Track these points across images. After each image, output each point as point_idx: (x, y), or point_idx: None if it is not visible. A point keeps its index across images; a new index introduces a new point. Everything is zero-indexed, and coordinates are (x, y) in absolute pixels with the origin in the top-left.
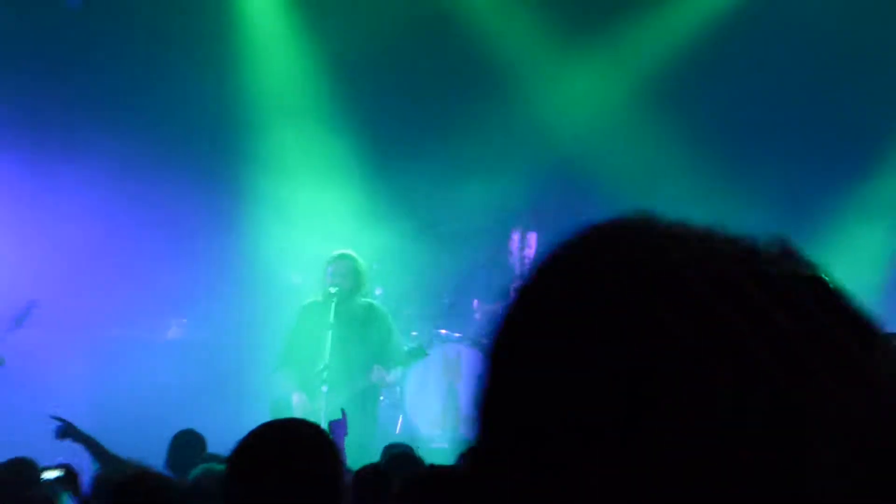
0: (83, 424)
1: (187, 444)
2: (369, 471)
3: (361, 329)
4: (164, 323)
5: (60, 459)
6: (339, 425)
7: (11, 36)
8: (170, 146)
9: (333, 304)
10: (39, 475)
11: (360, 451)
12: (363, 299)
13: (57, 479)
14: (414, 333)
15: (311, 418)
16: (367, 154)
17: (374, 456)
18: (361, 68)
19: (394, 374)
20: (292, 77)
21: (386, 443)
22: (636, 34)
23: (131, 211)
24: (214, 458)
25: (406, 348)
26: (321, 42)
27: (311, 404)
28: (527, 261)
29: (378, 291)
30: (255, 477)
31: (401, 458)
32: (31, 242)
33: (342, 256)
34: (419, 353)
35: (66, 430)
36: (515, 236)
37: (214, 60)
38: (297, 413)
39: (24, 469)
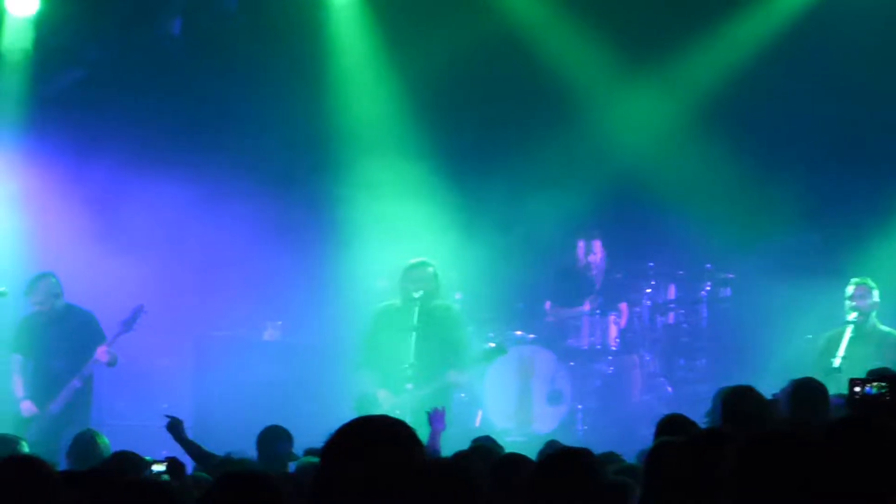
0: (186, 420)
1: (275, 438)
2: (509, 457)
3: (440, 330)
4: (261, 325)
5: (167, 453)
6: (437, 418)
7: (120, 61)
8: (270, 163)
9: (417, 308)
10: (145, 468)
11: (442, 443)
12: (441, 302)
13: (163, 471)
14: (491, 335)
15: (396, 413)
16: (446, 171)
17: (452, 445)
18: (439, 93)
19: (468, 374)
20: (378, 102)
21: (465, 435)
22: (690, 58)
23: (232, 223)
24: (313, 452)
25: (487, 347)
26: (403, 67)
27: (396, 401)
28: (592, 266)
29: (458, 296)
30: (345, 469)
31: (482, 448)
32: (140, 251)
33: (422, 263)
34: (499, 350)
35: (173, 426)
36: (581, 244)
37: (308, 85)
38: (383, 408)
39: (128, 462)
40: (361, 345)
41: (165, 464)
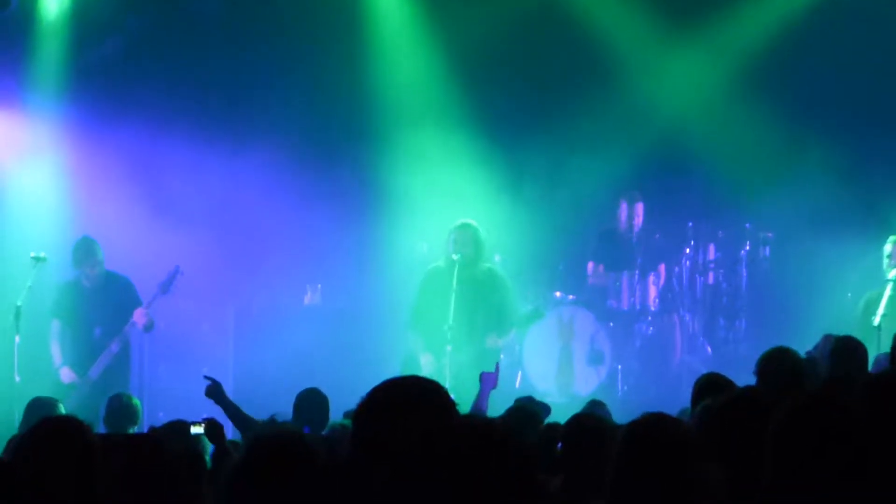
0: (227, 384)
1: (311, 402)
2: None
3: (482, 292)
4: (301, 290)
5: (206, 415)
6: (488, 378)
7: (159, 29)
8: (311, 130)
9: (456, 270)
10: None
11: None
12: (484, 265)
13: (201, 433)
14: (531, 296)
15: (438, 376)
16: (488, 135)
17: (497, 409)
18: (482, 58)
19: (508, 337)
20: (421, 68)
21: (505, 397)
22: (732, 22)
23: (274, 189)
24: (350, 414)
25: (525, 310)
26: (444, 34)
27: (438, 363)
28: (634, 228)
29: (497, 258)
30: (376, 430)
31: (524, 409)
32: (181, 218)
33: (464, 225)
34: (537, 314)
35: (213, 390)
36: (624, 206)
37: (350, 53)
38: (426, 371)
39: (174, 430)
40: (411, 306)
41: (203, 425)
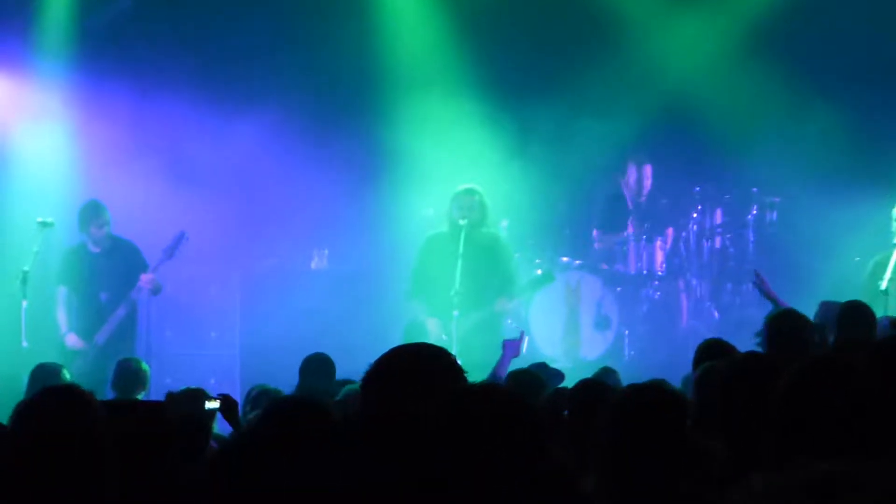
0: (234, 349)
1: (317, 366)
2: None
3: (488, 258)
4: (308, 253)
5: (214, 382)
6: (510, 345)
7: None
8: (319, 94)
9: (463, 235)
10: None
11: (488, 370)
12: (488, 230)
13: (216, 408)
14: (538, 261)
15: (443, 341)
16: (497, 99)
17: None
18: (489, 21)
19: (515, 302)
20: (427, 31)
21: (514, 361)
22: None
23: (278, 152)
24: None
25: (535, 274)
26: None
27: (445, 328)
28: (643, 191)
29: (504, 223)
30: (384, 397)
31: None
32: (188, 181)
33: (469, 190)
34: (547, 277)
35: (227, 408)
36: (632, 169)
37: (357, 16)
38: (431, 337)
39: (188, 396)
40: (411, 273)
41: (219, 401)
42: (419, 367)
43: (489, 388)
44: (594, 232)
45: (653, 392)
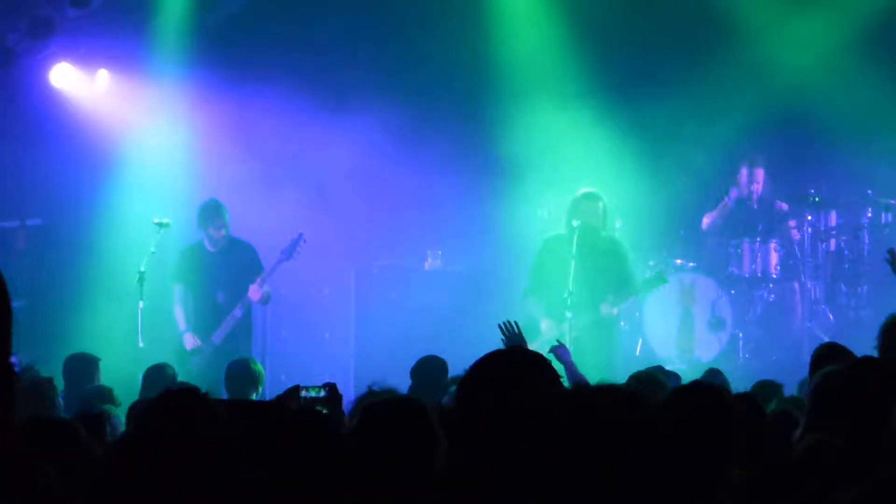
0: (348, 348)
1: (429, 368)
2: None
3: (604, 261)
4: (422, 254)
5: (327, 379)
6: (561, 350)
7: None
8: (433, 96)
9: (577, 237)
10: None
11: (604, 371)
12: (606, 233)
13: (320, 397)
14: (651, 263)
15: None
16: (609, 101)
17: (617, 376)
18: (601, 23)
19: (624, 304)
20: (541, 34)
21: (626, 364)
22: None
23: (392, 153)
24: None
25: (648, 275)
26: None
27: (558, 329)
28: (754, 194)
29: (618, 224)
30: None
31: (648, 379)
32: (305, 181)
33: (589, 195)
34: (660, 279)
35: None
36: (744, 171)
37: (474, 19)
38: (544, 338)
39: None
40: (529, 273)
41: (324, 389)
42: (516, 371)
43: (613, 387)
44: (702, 221)
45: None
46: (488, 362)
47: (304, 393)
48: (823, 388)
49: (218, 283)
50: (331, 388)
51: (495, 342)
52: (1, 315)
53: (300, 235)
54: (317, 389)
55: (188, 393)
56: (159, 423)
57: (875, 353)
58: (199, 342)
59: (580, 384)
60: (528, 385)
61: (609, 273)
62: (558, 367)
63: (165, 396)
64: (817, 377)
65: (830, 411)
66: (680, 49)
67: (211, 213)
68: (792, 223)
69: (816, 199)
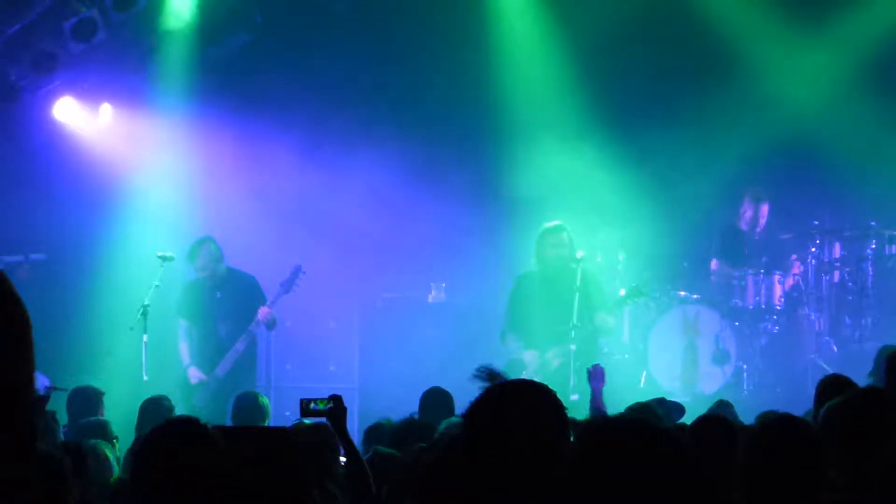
0: (352, 380)
1: (435, 402)
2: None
3: (591, 290)
4: (426, 287)
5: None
6: (596, 375)
7: (285, 25)
8: (437, 127)
9: (580, 270)
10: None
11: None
12: (573, 264)
13: (323, 410)
14: (656, 294)
15: (541, 374)
16: (612, 133)
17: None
18: (604, 56)
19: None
20: (544, 67)
21: (630, 396)
22: (856, 13)
23: (395, 186)
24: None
25: (627, 289)
26: (566, 34)
27: (541, 359)
28: (758, 228)
29: (621, 257)
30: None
31: (645, 411)
32: (307, 215)
33: (552, 228)
34: (638, 292)
35: (336, 414)
36: (748, 203)
37: (475, 48)
38: (530, 370)
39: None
40: (505, 313)
41: (330, 402)
42: (522, 402)
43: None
44: (713, 262)
45: (790, 423)
46: (493, 391)
47: (311, 405)
48: (827, 419)
49: (219, 317)
50: (336, 399)
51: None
52: (22, 344)
53: (298, 267)
54: (323, 402)
55: (188, 423)
56: (159, 453)
57: (869, 381)
58: (203, 376)
59: (596, 418)
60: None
61: (598, 300)
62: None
63: (166, 426)
64: (823, 412)
65: (833, 441)
66: (684, 82)
67: (191, 251)
68: (795, 255)
69: (820, 230)
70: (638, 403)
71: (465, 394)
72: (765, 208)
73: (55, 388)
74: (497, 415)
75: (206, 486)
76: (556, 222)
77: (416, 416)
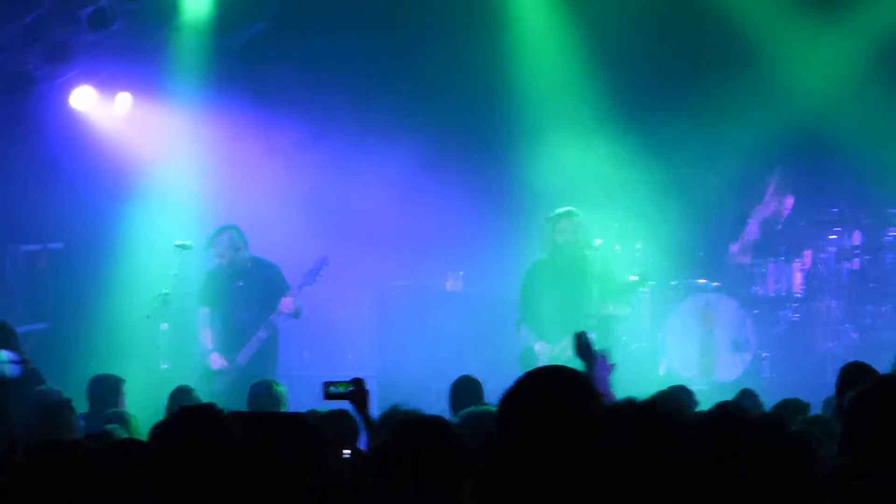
0: (370, 369)
1: (466, 388)
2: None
3: (591, 276)
4: (443, 275)
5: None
6: (602, 363)
7: (300, 14)
8: (453, 118)
9: (600, 256)
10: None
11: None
12: (584, 250)
13: (343, 392)
14: (673, 283)
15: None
16: (629, 122)
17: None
18: (620, 48)
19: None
20: (560, 60)
21: (649, 384)
22: (875, 3)
23: (412, 175)
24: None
25: (635, 275)
26: (582, 29)
27: (552, 350)
28: (781, 216)
29: (638, 245)
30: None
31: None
32: (325, 203)
33: (565, 213)
34: (644, 279)
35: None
36: (770, 191)
37: (490, 44)
38: (542, 360)
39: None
40: (519, 302)
41: (352, 385)
42: (560, 388)
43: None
44: (734, 248)
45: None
46: (529, 379)
47: (332, 388)
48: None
49: (242, 304)
50: (358, 382)
51: (514, 363)
52: None
53: (324, 258)
54: (344, 385)
55: (203, 409)
56: (175, 439)
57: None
58: (224, 362)
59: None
60: (570, 403)
61: (612, 287)
62: None
63: (182, 412)
64: (849, 398)
65: (855, 430)
66: (701, 70)
67: (220, 239)
68: (815, 243)
69: (839, 218)
70: (661, 391)
71: (485, 383)
72: (790, 201)
73: (23, 361)
74: (533, 403)
75: (223, 471)
76: (567, 208)
77: (448, 404)
